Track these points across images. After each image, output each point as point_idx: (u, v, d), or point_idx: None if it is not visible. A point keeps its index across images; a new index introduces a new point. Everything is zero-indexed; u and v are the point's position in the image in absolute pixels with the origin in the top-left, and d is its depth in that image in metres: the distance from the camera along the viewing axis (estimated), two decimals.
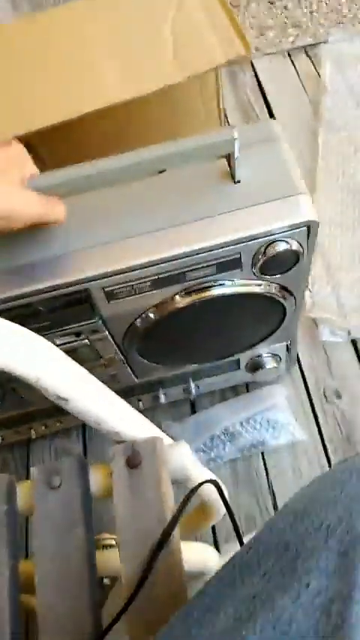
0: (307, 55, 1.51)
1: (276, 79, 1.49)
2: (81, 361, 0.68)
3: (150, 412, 1.01)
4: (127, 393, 0.85)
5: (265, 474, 0.93)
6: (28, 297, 0.55)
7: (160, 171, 0.58)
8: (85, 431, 1.02)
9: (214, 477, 0.57)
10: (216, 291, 0.61)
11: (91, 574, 0.46)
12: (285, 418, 0.93)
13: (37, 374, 0.40)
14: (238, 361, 0.85)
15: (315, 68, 1.47)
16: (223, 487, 0.63)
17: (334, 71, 1.44)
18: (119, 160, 0.51)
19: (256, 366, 0.86)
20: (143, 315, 0.63)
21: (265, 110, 1.44)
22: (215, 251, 0.56)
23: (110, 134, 0.71)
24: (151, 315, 0.62)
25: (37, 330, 0.58)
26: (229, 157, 0.55)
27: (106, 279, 0.56)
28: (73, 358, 0.66)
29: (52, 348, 0.42)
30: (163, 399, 0.89)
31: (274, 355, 0.85)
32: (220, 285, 0.61)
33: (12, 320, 0.56)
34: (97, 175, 0.51)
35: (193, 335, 0.71)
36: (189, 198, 0.57)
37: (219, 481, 0.55)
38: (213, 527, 0.90)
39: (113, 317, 0.62)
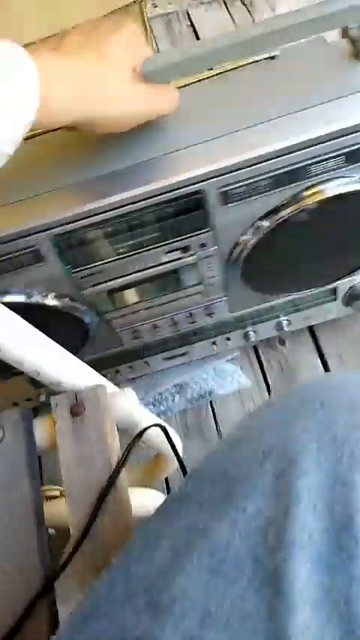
0: (243, 3, 1.48)
1: (213, 29, 1.45)
2: (181, 286, 0.66)
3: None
4: (217, 329, 0.82)
5: (214, 422, 0.94)
6: (138, 202, 0.51)
7: (272, 57, 0.54)
8: None
9: (161, 422, 0.57)
10: (343, 188, 0.55)
11: (39, 524, 0.46)
12: (231, 367, 0.94)
13: None
14: (335, 290, 0.79)
15: (251, 16, 1.44)
16: (173, 431, 0.63)
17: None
18: (234, 36, 0.46)
19: (356, 295, 0.78)
20: (256, 224, 0.57)
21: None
22: (344, 137, 0.50)
23: None
24: (265, 224, 0.57)
25: (146, 243, 0.57)
26: (352, 37, 0.51)
27: (222, 177, 0.51)
28: (175, 282, 0.65)
29: None
30: (253, 336, 0.84)
31: None
32: (349, 181, 0.55)
33: (119, 232, 0.54)
34: (210, 54, 0.46)
35: (305, 251, 0.65)
36: (308, 83, 0.52)
37: (166, 425, 0.56)
38: (166, 480, 0.91)
39: (225, 226, 0.58)
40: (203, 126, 0.52)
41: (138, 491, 0.66)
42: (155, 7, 1.53)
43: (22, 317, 0.60)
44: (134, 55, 0.45)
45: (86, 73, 0.42)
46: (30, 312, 0.59)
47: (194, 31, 1.45)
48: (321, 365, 0.97)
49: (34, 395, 0.85)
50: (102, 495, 0.45)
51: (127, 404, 0.50)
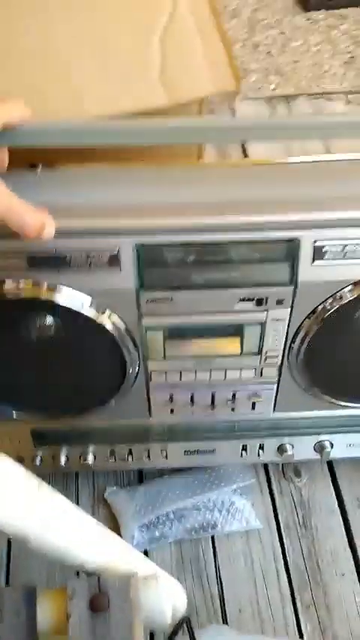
0: (289, 104, 1.48)
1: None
2: (240, 350, 0.63)
3: (91, 475, 0.90)
4: (252, 431, 0.77)
5: (213, 559, 0.84)
6: (226, 231, 0.51)
7: None
8: None
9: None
10: None
11: None
12: (241, 501, 0.85)
13: None
14: None
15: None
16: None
17: None
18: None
19: None
20: (338, 295, 0.56)
21: (240, 149, 1.40)
22: None
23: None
24: (348, 295, 0.56)
25: (223, 283, 0.56)
26: None
27: (322, 230, 0.51)
28: (235, 343, 0.62)
29: None
30: (290, 450, 0.78)
31: None
32: None
33: (202, 261, 0.53)
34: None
35: None
36: None
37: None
38: None
39: (308, 286, 0.56)
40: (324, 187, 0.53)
41: None
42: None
43: (65, 332, 0.57)
44: None
45: None
46: (78, 328, 0.57)
47: None
48: (338, 508, 0.88)
49: (30, 454, 0.76)
50: None
51: (159, 597, 0.40)
